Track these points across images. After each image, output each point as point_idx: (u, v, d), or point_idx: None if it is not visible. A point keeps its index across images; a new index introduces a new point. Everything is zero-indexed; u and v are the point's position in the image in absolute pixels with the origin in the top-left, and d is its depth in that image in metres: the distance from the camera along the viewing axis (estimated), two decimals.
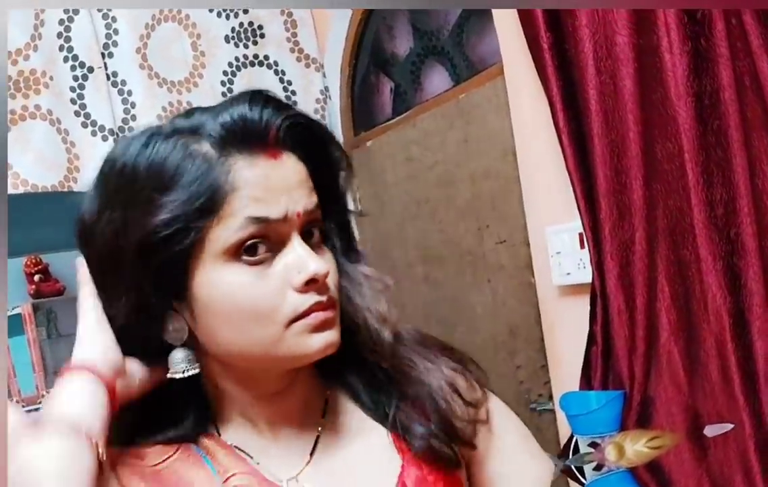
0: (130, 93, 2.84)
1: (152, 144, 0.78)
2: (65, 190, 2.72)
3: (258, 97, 0.79)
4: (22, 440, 0.74)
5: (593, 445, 1.94)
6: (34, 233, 3.81)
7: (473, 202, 2.55)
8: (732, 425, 1.68)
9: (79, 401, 0.77)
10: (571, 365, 2.10)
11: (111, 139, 2.78)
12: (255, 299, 0.77)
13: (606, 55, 1.79)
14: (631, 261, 1.85)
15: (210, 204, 0.75)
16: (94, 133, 2.77)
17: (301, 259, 0.78)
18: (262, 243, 0.77)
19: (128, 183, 0.78)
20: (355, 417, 0.90)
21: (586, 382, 2.04)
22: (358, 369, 0.90)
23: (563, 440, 2.17)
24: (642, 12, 1.71)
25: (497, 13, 2.25)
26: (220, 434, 0.87)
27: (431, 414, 0.87)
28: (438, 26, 2.74)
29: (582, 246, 2.03)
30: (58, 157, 2.70)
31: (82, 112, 2.76)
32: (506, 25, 2.18)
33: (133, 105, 2.85)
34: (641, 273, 1.83)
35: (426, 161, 2.73)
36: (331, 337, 0.80)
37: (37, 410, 5.50)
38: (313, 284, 0.78)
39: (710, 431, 1.73)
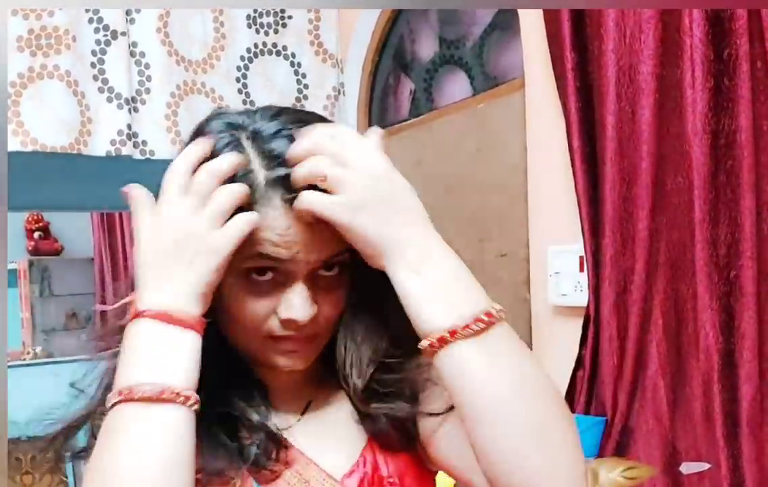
0: (147, 66, 2.84)
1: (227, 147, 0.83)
2: (74, 152, 2.72)
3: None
4: None
5: None
6: (39, 191, 3.81)
7: (478, 213, 2.56)
8: (709, 465, 1.68)
9: (188, 363, 0.79)
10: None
11: (126, 108, 2.78)
12: (247, 314, 0.85)
13: (628, 82, 1.81)
14: (628, 290, 1.86)
15: (242, 232, 0.80)
16: (109, 100, 2.77)
17: (292, 303, 0.83)
18: (270, 269, 0.83)
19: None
20: (340, 392, 0.97)
21: (569, 405, 2.03)
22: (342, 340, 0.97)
23: None
24: (669, 44, 1.72)
25: (524, 29, 2.26)
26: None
27: (396, 398, 0.93)
28: (462, 36, 2.76)
29: (581, 269, 2.04)
30: (72, 119, 2.70)
31: (101, 78, 2.76)
32: (532, 40, 2.19)
33: (149, 78, 2.85)
34: (636, 303, 1.84)
35: (436, 167, 2.74)
36: (293, 365, 0.88)
37: (21, 366, 5.49)
38: (292, 323, 0.84)
39: (686, 468, 1.73)
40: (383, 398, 0.93)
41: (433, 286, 0.78)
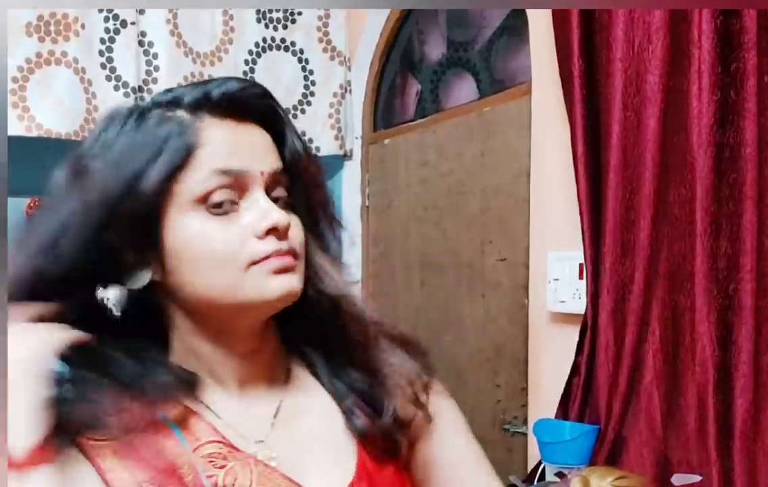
0: (155, 56, 2.85)
1: (132, 119, 0.85)
2: (79, 139, 2.72)
3: (233, 78, 0.87)
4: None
5: (560, 475, 1.95)
6: (42, 177, 3.82)
7: (480, 217, 2.57)
8: (700, 477, 1.68)
9: None
10: (550, 392, 2.11)
11: (133, 96, 2.78)
12: (216, 243, 0.82)
13: (635, 91, 1.81)
14: (627, 299, 1.86)
15: (179, 159, 0.81)
16: (116, 88, 2.77)
17: (263, 209, 0.83)
18: (227, 196, 0.82)
19: (111, 154, 0.84)
20: (316, 392, 0.93)
21: (563, 411, 2.04)
22: (318, 345, 0.94)
23: (531, 465, 2.18)
24: (677, 56, 1.72)
25: (533, 34, 2.26)
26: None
27: (382, 401, 0.91)
28: (470, 39, 2.76)
29: (581, 276, 2.04)
30: (77, 106, 2.70)
31: (108, 66, 2.76)
32: (540, 46, 2.20)
33: (156, 68, 2.85)
34: (634, 312, 1.84)
35: (440, 168, 2.75)
36: (290, 282, 0.84)
37: None
38: (273, 232, 0.82)
39: (677, 479, 1.73)
40: (364, 386, 0.91)
41: None
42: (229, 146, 0.83)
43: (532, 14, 2.28)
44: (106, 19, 2.74)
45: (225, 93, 0.85)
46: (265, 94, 0.89)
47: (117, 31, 2.75)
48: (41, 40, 2.62)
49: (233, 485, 0.82)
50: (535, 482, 2.05)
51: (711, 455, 1.67)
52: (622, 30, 1.82)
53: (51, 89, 2.64)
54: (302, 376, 0.94)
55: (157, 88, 2.84)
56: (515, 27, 2.53)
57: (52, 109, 2.64)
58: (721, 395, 1.66)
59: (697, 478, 1.69)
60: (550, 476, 1.98)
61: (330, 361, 0.94)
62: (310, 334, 0.93)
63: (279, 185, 0.86)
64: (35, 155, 3.00)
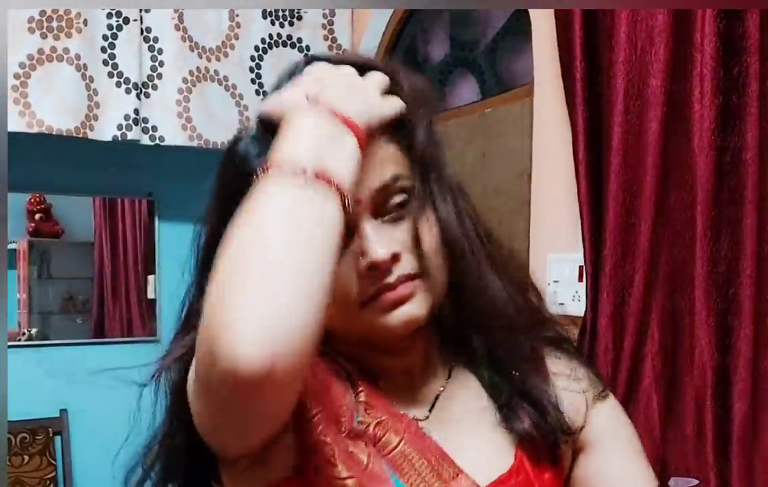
0: (160, 51, 2.85)
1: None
2: (80, 136, 2.72)
3: None
4: None
5: None
6: (42, 173, 3.82)
7: (480, 217, 2.56)
8: (697, 481, 1.68)
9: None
10: None
11: (134, 92, 2.78)
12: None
13: (637, 94, 1.81)
14: (626, 302, 1.86)
15: None
16: (118, 84, 2.77)
17: (363, 245, 0.80)
18: None
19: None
20: (474, 390, 0.92)
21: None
22: (482, 348, 0.93)
23: None
24: (679, 59, 1.72)
25: (536, 36, 2.26)
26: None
27: (545, 406, 0.89)
28: (474, 39, 2.76)
29: (580, 279, 2.04)
30: (79, 102, 2.70)
31: (111, 63, 2.76)
32: (543, 48, 2.19)
33: (161, 64, 2.85)
34: (634, 316, 1.83)
35: None
36: (408, 311, 0.81)
37: (16, 347, 5.51)
38: (376, 268, 0.79)
39: (675, 483, 1.73)
40: (526, 387, 0.89)
41: None
42: None
43: (534, 16, 2.28)
44: (109, 16, 2.74)
45: None
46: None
47: (120, 28, 2.75)
48: (43, 36, 2.62)
49: (383, 436, 0.81)
50: None
51: (709, 459, 1.67)
52: (625, 33, 1.82)
53: (53, 86, 2.64)
54: (463, 373, 0.93)
55: (162, 84, 2.84)
56: (518, 28, 2.53)
57: (53, 106, 2.64)
58: (719, 399, 1.66)
59: (694, 482, 1.69)
60: None
61: (492, 360, 0.92)
62: (471, 333, 0.92)
63: (395, 193, 0.82)
64: (37, 152, 3.02)
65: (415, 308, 0.82)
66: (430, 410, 0.89)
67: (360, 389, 0.84)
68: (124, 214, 5.92)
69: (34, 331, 6.05)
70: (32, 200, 6.31)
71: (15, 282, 6.24)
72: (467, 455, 0.85)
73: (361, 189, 0.79)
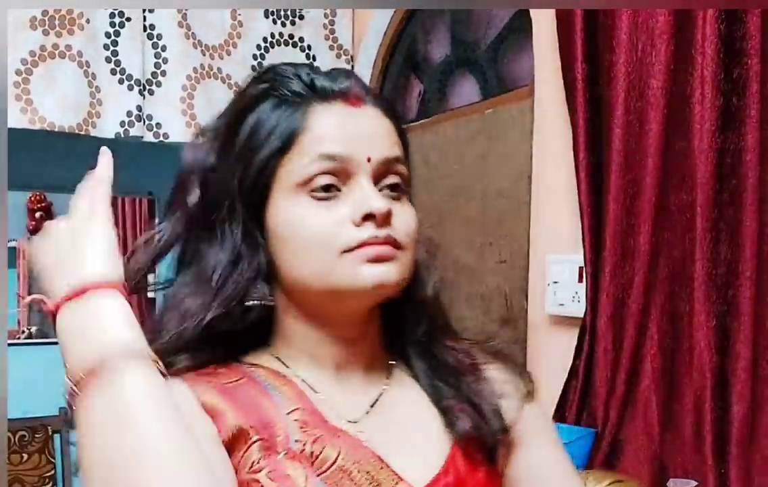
0: (164, 48, 2.85)
1: (252, 108, 0.87)
2: (82, 133, 2.72)
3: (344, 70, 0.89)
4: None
5: None
6: (43, 171, 3.82)
7: (480, 218, 2.56)
8: (696, 483, 1.68)
9: (127, 323, 0.74)
10: (547, 395, 2.10)
11: (137, 89, 2.78)
12: (312, 227, 0.82)
13: (638, 96, 1.81)
14: (626, 303, 1.86)
15: (283, 144, 0.83)
16: (121, 81, 2.77)
17: (362, 196, 0.82)
18: (329, 181, 0.83)
19: (231, 139, 0.87)
20: (413, 391, 0.94)
21: (560, 415, 2.04)
22: (421, 353, 0.95)
23: None
24: (680, 61, 1.72)
25: (536, 37, 2.26)
26: (288, 367, 0.90)
27: (484, 408, 0.91)
28: (476, 39, 2.76)
29: (580, 280, 2.04)
30: (81, 99, 2.70)
31: (113, 60, 2.76)
32: (543, 49, 2.19)
33: (164, 61, 2.85)
34: (633, 317, 1.84)
35: (442, 169, 2.74)
36: (386, 272, 0.83)
37: (16, 344, 5.52)
38: (371, 218, 0.82)
39: (673, 484, 1.73)
40: (462, 389, 0.91)
41: None
42: (335, 131, 0.84)
43: (535, 16, 2.28)
44: (112, 14, 2.74)
45: (329, 77, 0.87)
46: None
47: (122, 25, 2.75)
48: (46, 33, 2.62)
49: (320, 453, 0.82)
50: None
51: (707, 461, 1.67)
52: (626, 34, 1.82)
53: (55, 82, 2.64)
54: (402, 374, 0.95)
55: (166, 81, 2.84)
56: (519, 29, 2.53)
57: (56, 103, 2.64)
58: (718, 401, 1.66)
59: (693, 483, 1.69)
60: None
61: (430, 365, 0.94)
62: (413, 336, 0.94)
63: (392, 173, 0.86)
64: (38, 150, 3.02)
65: (391, 272, 0.83)
66: (371, 407, 0.90)
67: (295, 408, 0.85)
68: (124, 213, 5.95)
69: (33, 329, 6.07)
70: (33, 198, 6.35)
71: (15, 280, 6.26)
72: (406, 459, 0.86)
73: (359, 150, 0.83)
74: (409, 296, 0.90)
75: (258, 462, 0.80)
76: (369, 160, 0.83)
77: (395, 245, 0.84)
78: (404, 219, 0.86)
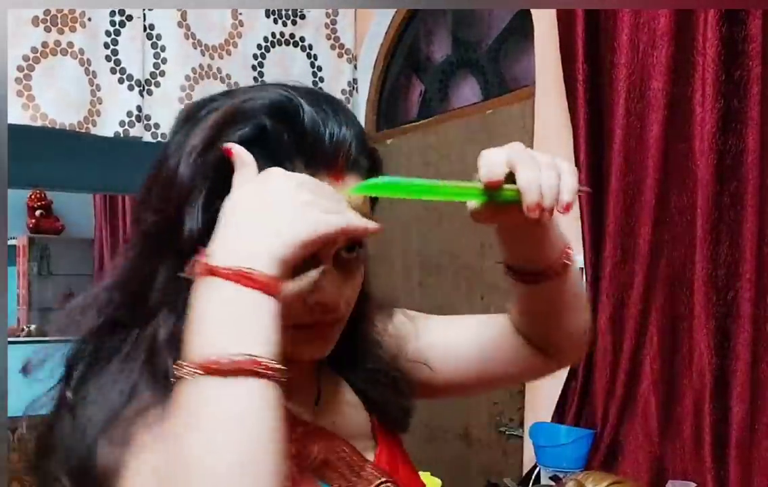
0: (163, 48, 2.85)
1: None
2: (83, 131, 2.72)
3: (327, 108, 0.78)
4: None
5: (555, 478, 1.95)
6: (43, 169, 3.81)
7: None
8: (695, 484, 1.68)
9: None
10: (547, 395, 2.11)
11: (137, 89, 2.78)
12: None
13: (638, 97, 1.81)
14: (626, 304, 1.87)
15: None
16: (121, 81, 2.77)
17: (323, 286, 0.77)
18: None
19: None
20: (339, 380, 0.96)
21: (559, 415, 2.04)
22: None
23: (527, 468, 2.17)
24: (681, 62, 1.72)
25: (538, 38, 2.26)
26: None
27: (399, 386, 0.95)
28: (477, 39, 2.76)
29: None
30: (82, 97, 2.70)
31: (113, 58, 2.76)
32: (545, 50, 2.19)
33: (164, 61, 2.85)
34: (633, 318, 1.84)
35: (442, 169, 2.75)
36: (318, 350, 0.83)
37: (15, 343, 5.53)
38: (323, 306, 0.78)
39: (673, 486, 1.73)
40: (381, 376, 0.94)
41: None
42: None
43: (537, 18, 2.28)
44: (112, 13, 2.74)
45: (316, 140, 0.76)
46: (356, 133, 0.79)
47: (122, 24, 2.76)
48: (47, 30, 2.62)
49: (302, 450, 0.83)
50: (530, 486, 2.05)
51: (706, 462, 1.67)
52: (627, 35, 1.82)
53: (56, 79, 2.64)
54: (328, 371, 0.96)
55: (164, 81, 2.84)
56: (520, 30, 2.53)
57: (56, 100, 2.64)
58: (717, 402, 1.66)
59: (692, 485, 1.69)
60: (545, 480, 1.98)
61: (347, 355, 0.95)
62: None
63: (354, 246, 0.81)
64: (38, 148, 3.02)
65: (323, 349, 0.83)
66: (316, 404, 0.91)
67: None
68: (124, 211, 5.94)
69: (33, 327, 6.07)
70: (33, 196, 6.34)
71: (15, 278, 6.27)
72: (356, 443, 0.89)
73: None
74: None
75: None
76: (335, 241, 0.78)
77: (336, 323, 0.82)
78: (351, 291, 0.82)
